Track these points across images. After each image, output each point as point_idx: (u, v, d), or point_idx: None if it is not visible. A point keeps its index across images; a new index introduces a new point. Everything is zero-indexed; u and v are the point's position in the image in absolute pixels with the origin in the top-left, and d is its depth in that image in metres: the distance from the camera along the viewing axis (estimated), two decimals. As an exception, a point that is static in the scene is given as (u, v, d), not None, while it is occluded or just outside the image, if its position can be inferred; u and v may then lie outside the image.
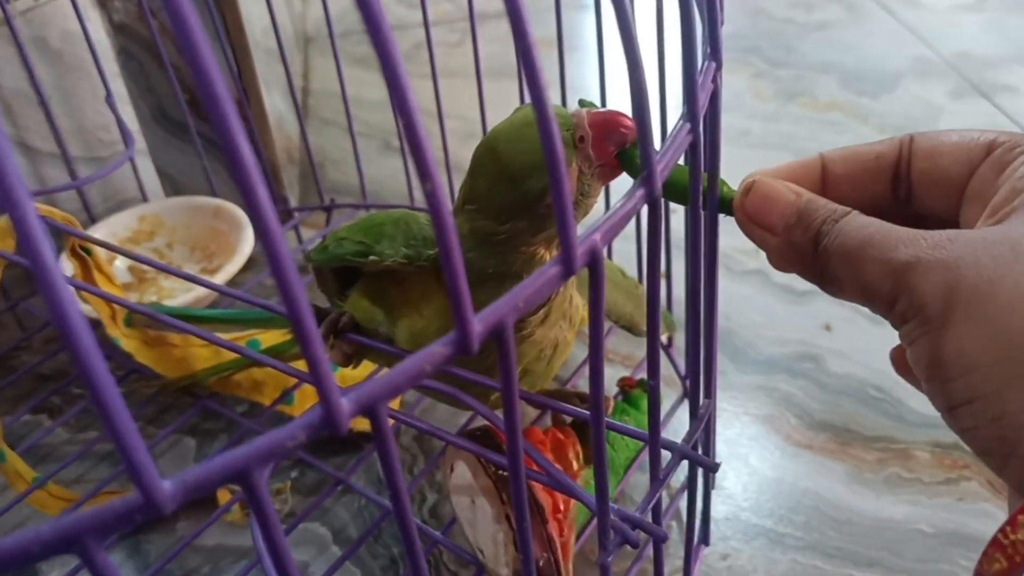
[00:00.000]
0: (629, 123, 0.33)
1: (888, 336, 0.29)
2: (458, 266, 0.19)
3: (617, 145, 0.33)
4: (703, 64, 0.28)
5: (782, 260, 0.31)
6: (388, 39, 0.16)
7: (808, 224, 0.29)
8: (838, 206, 0.29)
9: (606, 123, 0.33)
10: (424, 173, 0.18)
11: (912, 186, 0.31)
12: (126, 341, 0.56)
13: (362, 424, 0.46)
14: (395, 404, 0.58)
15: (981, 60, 1.00)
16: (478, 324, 0.20)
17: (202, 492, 0.18)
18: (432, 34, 0.62)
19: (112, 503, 0.17)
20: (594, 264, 0.23)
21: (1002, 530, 0.23)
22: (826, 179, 0.32)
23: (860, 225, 0.28)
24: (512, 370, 0.22)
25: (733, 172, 0.33)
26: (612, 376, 0.61)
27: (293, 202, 0.78)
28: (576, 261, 0.22)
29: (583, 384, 0.58)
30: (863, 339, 0.62)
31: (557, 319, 0.38)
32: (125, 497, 0.17)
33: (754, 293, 0.68)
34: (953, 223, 0.30)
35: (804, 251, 0.29)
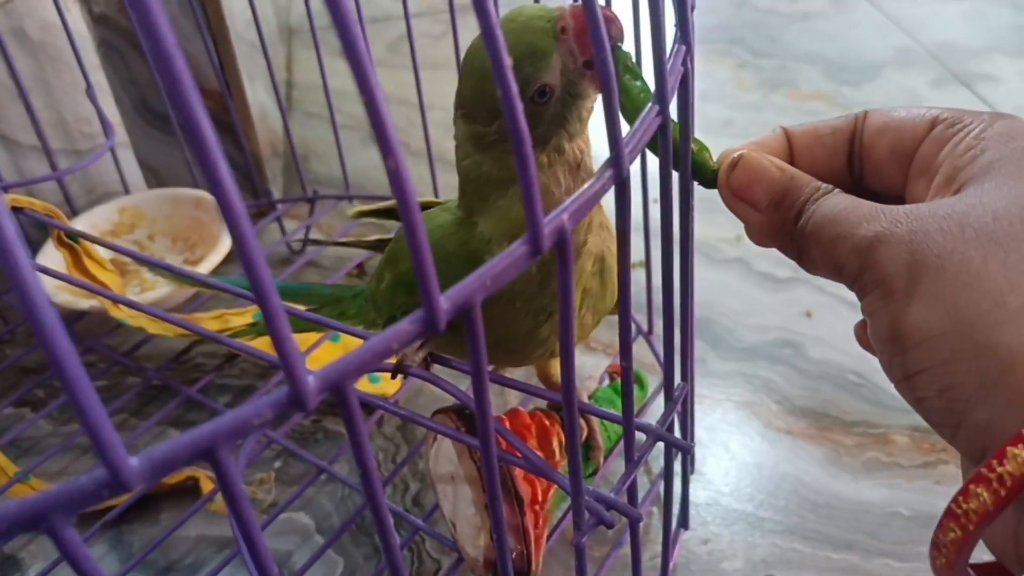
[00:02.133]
0: (612, 14, 0.32)
1: (867, 322, 0.29)
2: (423, 245, 0.19)
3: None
4: (673, 47, 0.28)
5: (763, 236, 0.31)
6: (346, 12, 0.16)
7: (792, 202, 0.29)
8: (821, 184, 0.29)
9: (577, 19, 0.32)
10: (386, 150, 0.18)
11: (863, 163, 0.31)
12: (132, 319, 0.56)
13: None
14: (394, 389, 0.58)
15: (963, 50, 1.00)
16: (445, 302, 0.20)
17: (169, 469, 0.18)
18: (417, 26, 0.62)
19: (79, 480, 0.17)
20: (562, 244, 0.23)
21: (955, 500, 0.23)
22: (791, 153, 0.32)
23: (833, 203, 0.28)
24: (481, 349, 0.22)
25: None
26: (597, 365, 0.62)
27: (276, 194, 0.78)
28: (543, 240, 0.22)
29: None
30: (843, 325, 0.62)
31: (599, 228, 0.37)
32: (92, 473, 0.17)
33: (735, 281, 0.68)
34: (901, 199, 0.30)
35: (786, 228, 0.30)
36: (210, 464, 0.19)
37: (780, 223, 0.30)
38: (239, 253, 0.16)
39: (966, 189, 0.26)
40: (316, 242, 0.55)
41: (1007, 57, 0.98)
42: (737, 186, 0.31)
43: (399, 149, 0.18)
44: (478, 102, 0.34)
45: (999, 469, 0.22)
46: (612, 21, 0.32)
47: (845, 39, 1.05)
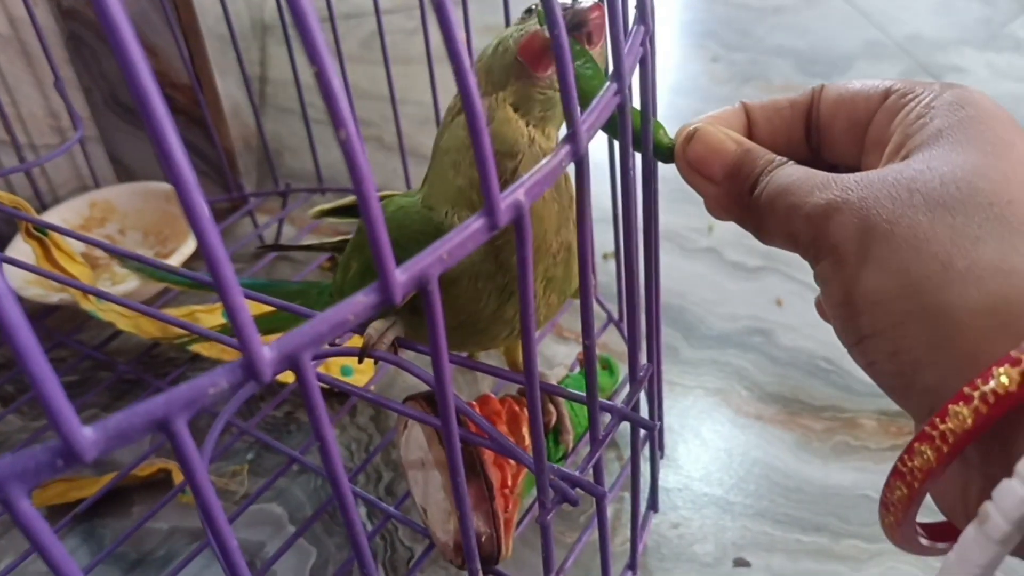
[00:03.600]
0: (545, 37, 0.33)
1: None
2: (378, 217, 0.19)
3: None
4: (632, 27, 0.29)
5: (719, 208, 0.32)
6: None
7: (747, 174, 0.30)
8: (776, 156, 0.30)
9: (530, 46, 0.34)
10: (338, 122, 0.18)
11: (820, 135, 0.32)
12: (103, 312, 0.55)
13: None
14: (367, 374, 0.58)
15: (931, 42, 1.01)
16: (402, 274, 0.20)
17: (124, 439, 0.18)
18: (389, 22, 0.63)
19: (32, 449, 0.17)
20: (519, 220, 0.23)
21: (901, 459, 0.23)
22: (750, 128, 0.32)
23: (787, 174, 0.28)
24: (438, 323, 0.22)
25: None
26: (568, 353, 0.62)
27: (249, 188, 0.78)
28: (499, 215, 0.22)
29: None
30: (812, 313, 0.62)
31: (567, 221, 0.37)
32: (46, 443, 0.17)
33: (706, 271, 0.69)
34: (858, 170, 0.30)
35: (742, 200, 0.30)
36: (165, 435, 0.19)
37: (736, 195, 0.30)
38: (186, 215, 0.16)
39: (914, 155, 0.26)
40: (280, 247, 0.55)
41: (975, 49, 0.99)
42: (693, 159, 0.31)
43: (351, 121, 0.18)
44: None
45: (941, 427, 0.22)
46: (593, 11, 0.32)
47: (816, 33, 1.06)
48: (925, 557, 0.28)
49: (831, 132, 0.31)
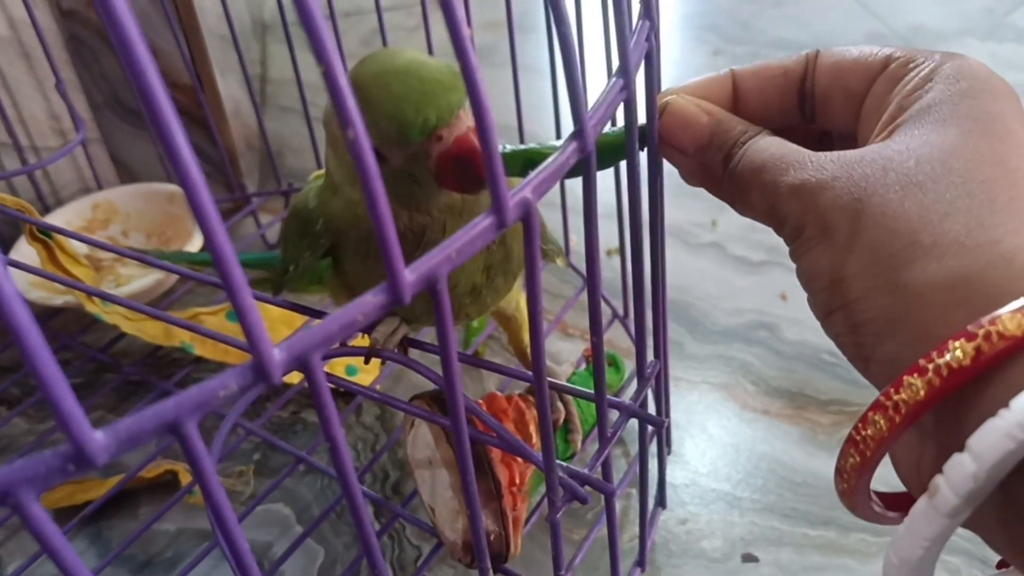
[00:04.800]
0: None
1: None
2: (385, 213, 0.19)
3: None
4: (638, 23, 0.29)
5: (694, 179, 0.32)
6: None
7: (720, 145, 0.30)
8: (750, 126, 0.30)
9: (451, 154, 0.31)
10: (345, 121, 0.18)
11: (816, 102, 0.31)
12: (107, 315, 0.55)
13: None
14: (370, 375, 0.58)
15: (933, 33, 1.01)
16: (410, 274, 0.20)
17: (135, 443, 0.18)
18: (390, 19, 0.62)
19: (44, 454, 0.17)
20: (527, 217, 0.23)
21: (855, 428, 0.24)
22: (737, 96, 0.32)
23: (761, 147, 0.28)
24: (448, 321, 0.22)
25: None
26: (574, 350, 0.62)
27: (251, 188, 0.78)
28: (508, 213, 0.22)
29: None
30: (818, 307, 0.63)
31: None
32: (57, 448, 0.17)
33: (710, 265, 0.68)
34: (854, 139, 0.30)
35: (714, 172, 0.30)
36: (176, 438, 0.19)
37: (709, 167, 0.30)
38: (194, 213, 0.16)
39: (895, 135, 0.27)
40: None
41: (977, 40, 0.99)
42: (664, 132, 0.31)
43: (359, 120, 0.18)
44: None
45: (895, 397, 0.22)
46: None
47: (817, 25, 1.05)
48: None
49: (827, 100, 0.31)
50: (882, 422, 0.23)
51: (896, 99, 0.28)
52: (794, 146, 0.28)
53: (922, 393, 0.22)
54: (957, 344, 0.21)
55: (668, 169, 0.35)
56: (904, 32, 1.02)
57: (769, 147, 0.28)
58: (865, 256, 0.25)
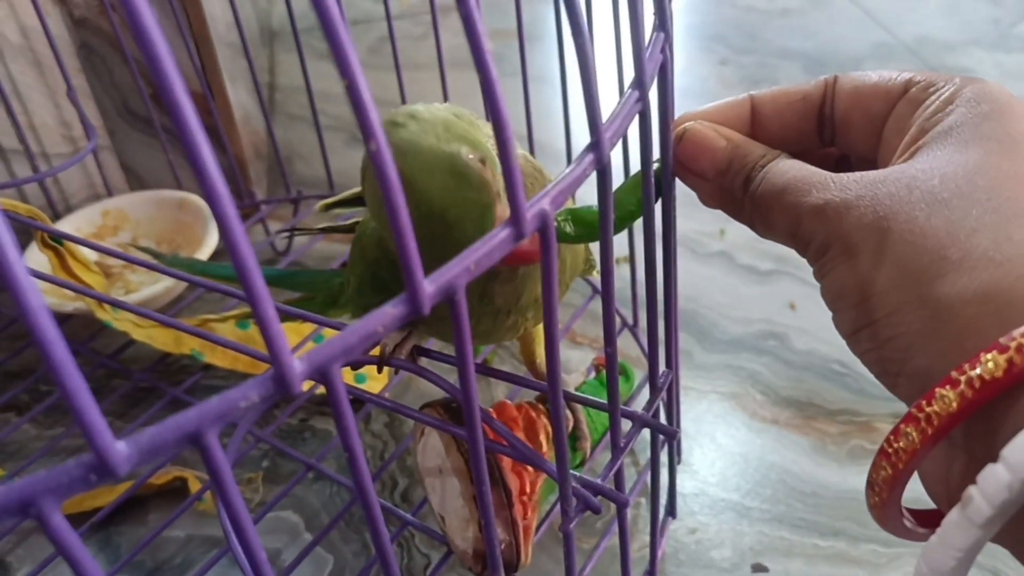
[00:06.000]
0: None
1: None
2: (406, 225, 0.19)
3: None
4: (652, 35, 0.29)
5: (713, 203, 0.32)
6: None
7: (738, 170, 0.30)
8: (768, 150, 0.30)
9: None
10: (368, 133, 0.18)
11: (835, 126, 0.32)
12: (118, 322, 0.56)
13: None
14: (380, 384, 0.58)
15: (940, 44, 1.01)
16: (430, 285, 0.20)
17: (157, 453, 0.18)
18: (398, 27, 0.63)
19: (66, 464, 0.17)
20: (544, 229, 0.23)
21: (887, 440, 0.24)
22: (755, 120, 0.32)
23: (781, 170, 0.29)
24: (466, 333, 0.22)
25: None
26: (583, 359, 0.62)
27: (260, 196, 0.78)
28: (526, 225, 0.22)
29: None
30: (826, 316, 0.62)
31: None
32: (79, 458, 0.17)
33: (719, 275, 0.68)
34: (873, 162, 0.31)
35: (735, 196, 0.31)
36: (197, 448, 0.19)
37: (728, 191, 0.31)
38: (218, 222, 0.16)
39: (918, 155, 0.27)
40: (301, 231, 0.56)
41: (984, 50, 0.99)
42: (683, 158, 0.32)
43: (380, 132, 0.18)
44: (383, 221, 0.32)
45: (927, 409, 0.22)
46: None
47: (824, 35, 1.05)
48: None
49: (847, 124, 0.31)
50: (914, 434, 0.23)
51: (918, 121, 0.28)
52: (814, 168, 0.28)
53: (954, 405, 0.22)
54: (989, 356, 0.22)
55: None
56: (910, 42, 1.02)
57: (790, 169, 0.29)
58: (894, 272, 0.25)
